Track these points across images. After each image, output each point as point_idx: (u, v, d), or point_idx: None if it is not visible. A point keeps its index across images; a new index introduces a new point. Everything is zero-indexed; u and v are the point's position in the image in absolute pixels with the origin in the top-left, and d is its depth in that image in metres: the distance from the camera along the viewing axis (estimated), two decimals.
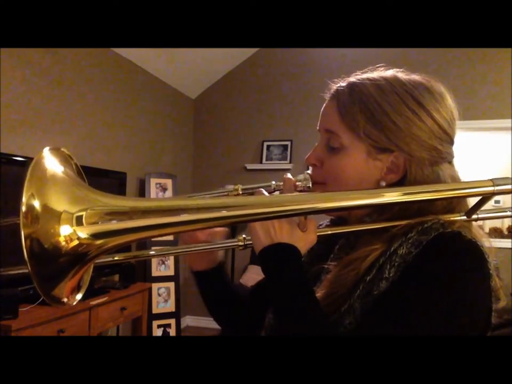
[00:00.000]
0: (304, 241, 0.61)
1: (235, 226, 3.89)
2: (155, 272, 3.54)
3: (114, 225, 0.49)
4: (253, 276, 3.47)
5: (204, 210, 0.51)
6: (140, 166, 3.57)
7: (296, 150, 4.07)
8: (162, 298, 3.55)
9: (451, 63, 3.61)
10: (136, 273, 2.98)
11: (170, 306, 3.56)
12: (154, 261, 3.53)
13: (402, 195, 0.54)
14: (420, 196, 0.54)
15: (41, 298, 1.99)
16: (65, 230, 0.46)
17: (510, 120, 3.47)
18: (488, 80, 3.58)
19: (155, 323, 3.46)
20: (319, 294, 0.61)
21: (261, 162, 4.16)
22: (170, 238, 3.60)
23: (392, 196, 0.54)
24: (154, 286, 3.43)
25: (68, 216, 0.46)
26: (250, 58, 4.27)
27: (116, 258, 0.67)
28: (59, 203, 0.46)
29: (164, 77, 3.87)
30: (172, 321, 3.55)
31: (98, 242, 0.47)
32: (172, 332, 3.54)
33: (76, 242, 0.46)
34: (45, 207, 0.45)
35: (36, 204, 0.45)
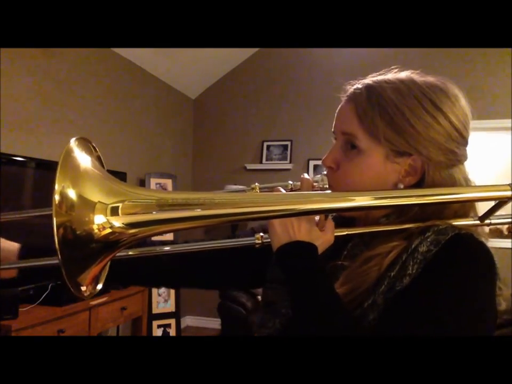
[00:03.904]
0: (321, 240, 0.61)
1: (236, 224, 3.88)
2: None
3: (152, 215, 0.51)
4: None
5: (241, 204, 0.53)
6: (139, 166, 3.57)
7: (296, 150, 4.06)
8: (162, 298, 3.55)
9: (451, 63, 3.61)
10: None
11: (170, 306, 3.56)
12: None
13: (374, 199, 0.55)
14: (397, 200, 0.55)
15: (41, 298, 1.99)
16: (99, 219, 0.49)
17: (510, 120, 3.47)
18: (488, 80, 3.58)
19: (155, 323, 3.45)
20: (340, 290, 0.61)
21: (261, 162, 4.16)
22: (170, 237, 3.60)
23: (364, 200, 0.54)
24: None
25: (102, 207, 0.49)
26: (250, 58, 4.27)
27: (130, 253, 0.68)
28: (93, 195, 0.50)
29: (164, 77, 3.87)
30: (172, 321, 3.55)
31: (132, 231, 0.51)
32: (172, 332, 3.54)
33: (108, 230, 0.49)
34: (79, 197, 0.48)
35: (71, 194, 0.48)
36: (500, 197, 0.55)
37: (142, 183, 3.56)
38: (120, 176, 3.07)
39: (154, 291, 3.47)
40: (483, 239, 0.60)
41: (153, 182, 3.59)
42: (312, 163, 3.96)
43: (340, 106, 0.68)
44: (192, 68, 3.95)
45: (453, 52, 3.62)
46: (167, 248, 0.71)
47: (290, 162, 4.06)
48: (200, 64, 3.92)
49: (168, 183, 3.71)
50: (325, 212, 0.59)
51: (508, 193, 0.54)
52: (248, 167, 4.18)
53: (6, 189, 2.09)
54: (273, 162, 4.13)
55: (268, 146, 4.17)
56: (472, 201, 0.62)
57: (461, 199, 0.57)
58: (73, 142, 0.51)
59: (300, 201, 0.54)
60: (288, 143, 4.10)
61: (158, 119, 3.88)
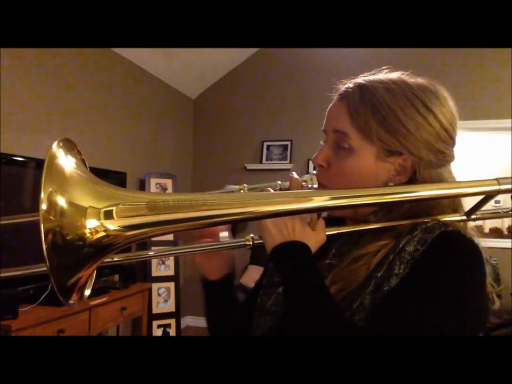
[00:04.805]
0: (314, 239, 0.61)
1: (235, 225, 3.90)
2: (155, 272, 3.54)
3: (149, 217, 0.51)
4: (252, 276, 3.47)
5: (237, 205, 0.53)
6: (140, 166, 3.57)
7: (296, 150, 4.07)
8: (162, 298, 3.55)
9: (451, 63, 3.61)
10: (136, 273, 2.98)
11: (170, 306, 3.56)
12: (154, 261, 3.53)
13: (330, 199, 0.54)
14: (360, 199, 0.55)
15: (41, 298, 1.99)
16: (91, 223, 0.49)
17: (510, 120, 3.47)
18: (488, 80, 3.58)
19: (155, 323, 3.45)
20: (330, 290, 0.61)
21: (261, 162, 4.16)
22: (170, 237, 3.60)
23: (321, 201, 0.54)
24: (154, 286, 3.43)
25: (94, 211, 0.49)
26: (250, 58, 4.27)
27: (115, 259, 0.67)
28: (83, 200, 0.50)
29: (164, 77, 3.87)
30: (172, 321, 3.55)
31: (129, 233, 0.51)
32: (172, 332, 3.54)
33: (101, 234, 0.49)
34: (68, 203, 0.48)
35: (59, 200, 0.47)
36: (487, 192, 0.55)
37: (142, 183, 3.56)
38: (120, 176, 3.07)
39: (154, 291, 3.47)
40: (471, 235, 0.60)
41: (153, 182, 3.59)
42: (312, 163, 3.96)
43: (331, 104, 0.68)
44: (192, 68, 3.95)
45: (452, 52, 3.62)
46: (151, 252, 0.71)
47: (290, 162, 4.06)
48: (200, 64, 3.92)
49: (168, 183, 3.71)
50: (287, 214, 0.57)
51: (495, 188, 0.54)
52: (248, 167, 4.18)
53: (6, 189, 2.09)
54: (273, 162, 4.13)
55: (268, 146, 4.17)
56: (459, 197, 0.62)
57: (448, 195, 0.57)
58: (55, 146, 0.51)
59: (262, 203, 0.54)
60: (288, 143, 4.10)
61: (158, 119, 3.88)
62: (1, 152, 2.14)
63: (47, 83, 2.62)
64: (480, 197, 0.60)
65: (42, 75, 2.58)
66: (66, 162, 0.51)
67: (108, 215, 0.49)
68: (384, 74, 0.66)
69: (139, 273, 3.25)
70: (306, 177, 0.67)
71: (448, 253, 0.57)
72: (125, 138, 3.39)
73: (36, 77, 2.54)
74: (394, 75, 0.66)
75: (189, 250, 0.70)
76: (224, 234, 0.74)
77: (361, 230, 0.65)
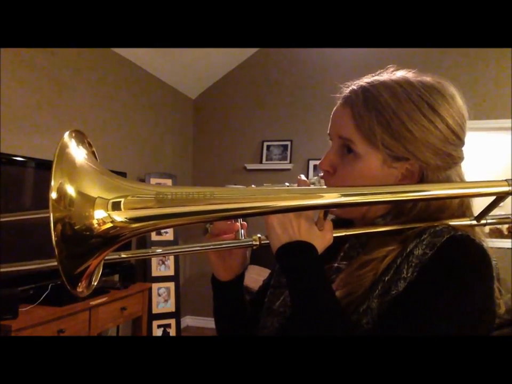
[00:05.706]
0: (321, 240, 0.61)
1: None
2: (155, 272, 3.54)
3: (156, 210, 0.51)
4: (253, 276, 3.47)
5: (247, 199, 0.53)
6: (139, 166, 3.57)
7: (296, 150, 4.06)
8: (162, 298, 3.55)
9: (451, 63, 3.61)
10: (136, 273, 2.98)
11: (170, 306, 3.56)
12: (154, 261, 3.53)
13: (340, 196, 0.53)
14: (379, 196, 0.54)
15: (41, 298, 1.98)
16: (99, 214, 0.49)
17: (510, 120, 3.47)
18: (488, 80, 3.58)
19: (155, 323, 3.45)
20: (337, 293, 0.61)
21: (261, 162, 4.16)
22: (171, 237, 3.60)
23: (332, 197, 0.53)
24: (154, 286, 3.43)
25: (102, 202, 0.49)
26: (250, 58, 4.27)
27: (123, 256, 0.67)
28: (92, 190, 0.50)
29: (164, 77, 3.87)
30: (172, 321, 3.55)
31: (135, 225, 0.51)
32: (172, 332, 3.54)
33: (109, 225, 0.49)
34: (77, 193, 0.48)
35: (68, 190, 0.48)
36: (498, 193, 0.55)
37: None
38: (120, 176, 3.06)
39: (154, 291, 3.47)
40: (481, 239, 0.60)
41: (153, 182, 3.60)
42: (312, 163, 3.96)
43: (335, 108, 0.67)
44: (192, 68, 3.95)
45: (452, 52, 3.62)
46: (159, 250, 0.70)
47: (290, 162, 4.06)
48: (200, 64, 3.92)
49: (168, 183, 3.71)
50: (295, 210, 0.56)
51: (505, 189, 0.53)
52: (248, 167, 4.18)
53: (6, 189, 2.09)
54: (273, 162, 4.13)
55: (268, 146, 4.17)
56: (471, 197, 0.62)
57: (459, 195, 0.56)
58: (67, 136, 0.51)
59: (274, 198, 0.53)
60: (288, 143, 4.10)
61: (158, 119, 3.88)
62: (1, 152, 2.14)
63: (47, 83, 2.62)
64: (486, 201, 0.60)
65: (42, 75, 2.58)
66: (77, 152, 0.51)
67: (116, 206, 0.50)
68: (389, 75, 0.65)
69: (139, 273, 3.25)
70: (314, 179, 0.67)
71: (456, 257, 0.57)
72: (125, 138, 3.39)
73: (36, 77, 2.54)
74: (399, 75, 0.65)
75: (195, 249, 0.69)
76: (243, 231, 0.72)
77: (370, 233, 0.65)
